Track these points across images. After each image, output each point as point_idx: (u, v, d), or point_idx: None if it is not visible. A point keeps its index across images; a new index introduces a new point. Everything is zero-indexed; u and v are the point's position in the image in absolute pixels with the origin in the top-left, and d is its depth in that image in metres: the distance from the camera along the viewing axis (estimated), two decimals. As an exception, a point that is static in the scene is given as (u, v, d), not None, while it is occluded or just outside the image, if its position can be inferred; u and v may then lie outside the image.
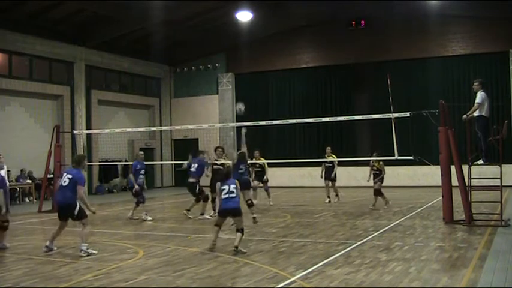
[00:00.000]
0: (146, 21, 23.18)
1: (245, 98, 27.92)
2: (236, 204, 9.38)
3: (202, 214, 14.12)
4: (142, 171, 14.43)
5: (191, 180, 14.32)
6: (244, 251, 9.10)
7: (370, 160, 15.92)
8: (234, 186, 9.45)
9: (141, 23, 23.58)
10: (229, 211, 9.40)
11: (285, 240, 10.44)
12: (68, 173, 9.52)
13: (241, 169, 13.17)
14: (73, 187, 9.30)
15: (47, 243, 9.61)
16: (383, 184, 15.70)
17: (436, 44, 24.81)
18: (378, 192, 15.57)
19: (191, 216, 14.14)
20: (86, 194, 20.63)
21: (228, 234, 10.98)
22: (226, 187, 9.42)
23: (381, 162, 15.50)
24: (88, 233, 9.50)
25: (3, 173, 15.52)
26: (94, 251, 9.31)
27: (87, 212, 9.47)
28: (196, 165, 14.34)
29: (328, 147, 17.93)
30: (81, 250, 9.19)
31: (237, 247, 9.08)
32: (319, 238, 10.59)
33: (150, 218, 14.11)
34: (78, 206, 9.38)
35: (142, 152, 15.76)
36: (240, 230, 9.27)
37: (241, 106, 16.77)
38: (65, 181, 9.39)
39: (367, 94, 25.80)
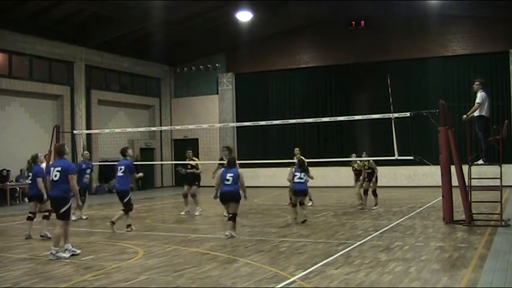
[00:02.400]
0: (146, 21, 23.18)
1: (245, 98, 28.26)
2: (304, 187, 12.78)
3: (130, 225, 12.08)
4: (88, 171, 14.73)
5: (120, 187, 12.24)
6: (300, 221, 12.52)
7: (360, 160, 15.75)
8: (304, 174, 12.77)
9: (141, 23, 23.59)
10: (297, 191, 12.80)
11: (285, 240, 10.43)
12: (55, 166, 9.08)
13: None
14: (66, 178, 8.93)
15: (65, 247, 9.08)
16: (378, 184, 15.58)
17: (436, 44, 24.82)
18: (374, 193, 15.43)
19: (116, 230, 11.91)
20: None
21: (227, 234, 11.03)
22: (298, 174, 12.79)
23: (371, 161, 15.36)
24: (61, 234, 8.99)
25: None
26: (65, 255, 8.90)
27: (73, 205, 9.25)
28: (123, 167, 12.15)
29: (297, 148, 16.01)
30: (51, 253, 8.84)
31: (300, 220, 12.56)
32: (319, 238, 10.57)
33: (74, 218, 13.05)
34: (69, 205, 9.02)
35: (87, 152, 15.99)
36: (303, 205, 12.89)
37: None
38: (55, 175, 8.96)
39: (367, 94, 25.79)
